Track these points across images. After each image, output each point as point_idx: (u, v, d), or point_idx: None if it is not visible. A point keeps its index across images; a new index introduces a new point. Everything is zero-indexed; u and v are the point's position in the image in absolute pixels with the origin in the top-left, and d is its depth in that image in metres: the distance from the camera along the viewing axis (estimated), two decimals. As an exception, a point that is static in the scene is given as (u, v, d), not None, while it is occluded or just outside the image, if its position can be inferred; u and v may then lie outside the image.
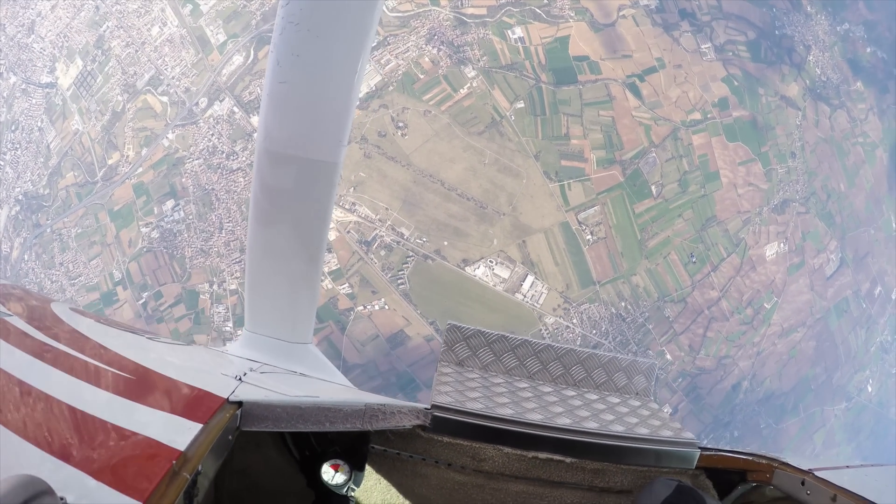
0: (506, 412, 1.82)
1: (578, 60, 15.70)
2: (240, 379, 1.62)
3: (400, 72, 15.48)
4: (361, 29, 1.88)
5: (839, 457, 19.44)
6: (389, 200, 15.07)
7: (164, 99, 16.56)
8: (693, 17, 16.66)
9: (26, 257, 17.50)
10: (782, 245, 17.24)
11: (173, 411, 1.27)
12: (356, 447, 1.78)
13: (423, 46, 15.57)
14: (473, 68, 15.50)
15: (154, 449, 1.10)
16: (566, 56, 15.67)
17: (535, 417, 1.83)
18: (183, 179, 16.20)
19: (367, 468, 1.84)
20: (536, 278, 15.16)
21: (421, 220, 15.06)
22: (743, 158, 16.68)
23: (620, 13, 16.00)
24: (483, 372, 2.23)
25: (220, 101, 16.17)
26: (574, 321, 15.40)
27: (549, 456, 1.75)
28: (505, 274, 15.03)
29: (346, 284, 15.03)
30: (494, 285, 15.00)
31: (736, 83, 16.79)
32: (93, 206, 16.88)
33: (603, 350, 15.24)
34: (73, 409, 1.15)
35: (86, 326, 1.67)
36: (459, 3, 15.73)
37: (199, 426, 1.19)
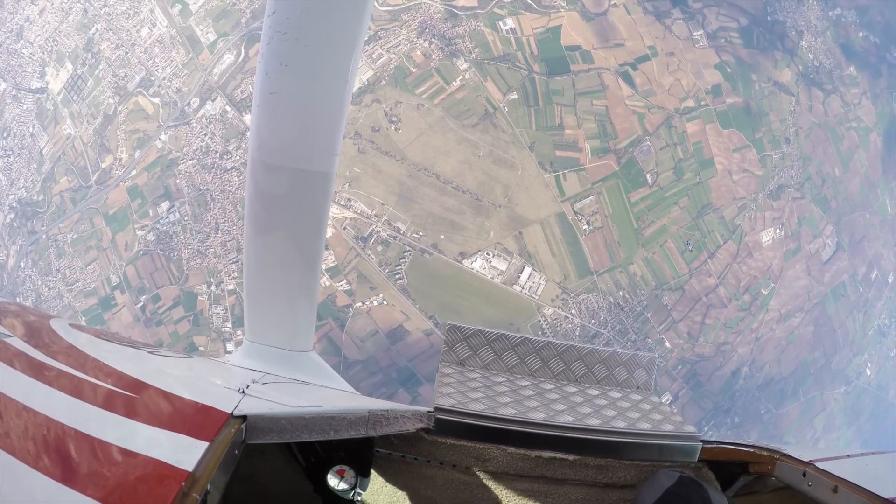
0: (508, 412, 1.83)
1: (571, 50, 15.64)
2: (243, 392, 1.62)
3: (392, 66, 15.41)
4: (350, 37, 1.85)
5: (840, 440, 19.58)
6: (385, 195, 15.03)
7: (156, 100, 16.45)
8: (685, 4, 16.61)
9: (22, 265, 17.42)
10: (778, 231, 17.26)
11: (178, 430, 1.25)
12: (361, 452, 1.79)
13: (415, 40, 15.49)
14: (465, 60, 15.44)
15: (162, 470, 1.07)
16: (558, 46, 15.61)
17: (538, 416, 1.84)
18: (177, 181, 16.12)
19: (373, 472, 1.84)
20: (534, 270, 15.16)
21: (417, 215, 15.04)
22: (737, 145, 16.68)
23: (612, 2, 15.94)
24: (484, 371, 2.24)
25: (212, 101, 16.07)
26: (573, 311, 15.41)
27: (553, 454, 1.76)
28: (502, 266, 15.03)
29: (344, 281, 15.01)
30: (492, 278, 14.99)
31: (729, 70, 16.76)
32: (88, 210, 16.80)
33: (602, 339, 15.37)
34: (76, 432, 1.11)
35: (85, 342, 1.65)
36: (450, -5, 15.67)
37: (206, 444, 1.18)
